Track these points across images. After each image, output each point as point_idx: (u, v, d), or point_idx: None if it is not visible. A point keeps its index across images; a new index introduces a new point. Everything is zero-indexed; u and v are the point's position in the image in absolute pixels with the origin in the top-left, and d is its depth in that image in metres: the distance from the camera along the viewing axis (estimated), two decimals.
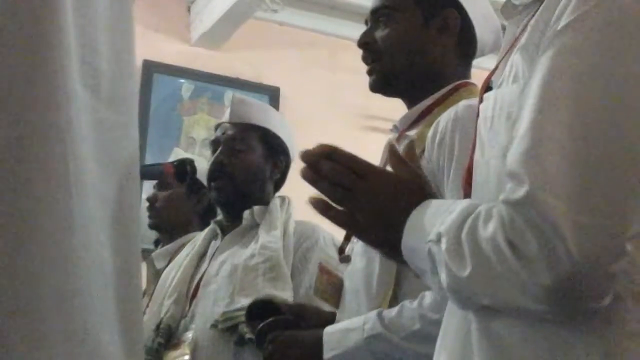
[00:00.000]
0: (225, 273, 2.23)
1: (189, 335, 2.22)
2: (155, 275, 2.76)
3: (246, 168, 2.36)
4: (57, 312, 0.93)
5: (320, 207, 1.09)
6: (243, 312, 2.08)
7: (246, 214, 2.34)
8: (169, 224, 2.88)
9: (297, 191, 1.15)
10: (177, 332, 2.26)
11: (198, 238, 2.49)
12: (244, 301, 2.11)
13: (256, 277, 2.17)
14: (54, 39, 0.95)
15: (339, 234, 1.78)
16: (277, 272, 2.17)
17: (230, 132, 2.40)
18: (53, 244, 0.94)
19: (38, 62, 0.93)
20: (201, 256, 2.40)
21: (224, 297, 2.18)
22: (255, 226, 2.33)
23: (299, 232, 2.29)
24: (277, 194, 2.43)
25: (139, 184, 1.16)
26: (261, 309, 1.84)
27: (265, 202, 2.37)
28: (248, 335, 2.07)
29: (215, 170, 2.37)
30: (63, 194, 0.94)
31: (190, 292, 2.32)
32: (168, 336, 2.25)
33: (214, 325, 2.16)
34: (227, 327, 2.13)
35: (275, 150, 2.40)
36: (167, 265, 2.72)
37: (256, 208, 2.34)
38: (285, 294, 2.12)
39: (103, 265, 1.01)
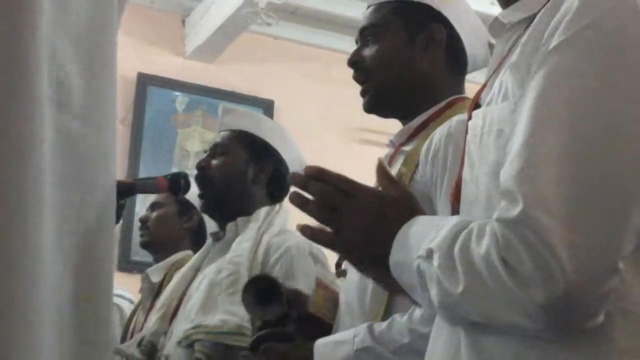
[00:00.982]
0: (203, 287, 2.21)
1: (164, 352, 2.22)
2: (152, 290, 2.76)
3: (224, 169, 2.33)
4: None
5: (309, 232, 1.10)
6: (198, 330, 2.09)
7: (230, 226, 2.32)
8: (160, 243, 2.89)
9: None
10: (159, 349, 2.25)
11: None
12: (200, 319, 2.11)
13: (220, 293, 2.14)
14: (28, 53, 0.95)
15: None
16: (237, 287, 2.12)
17: (216, 140, 2.41)
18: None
19: (10, 76, 0.94)
20: (196, 270, 2.38)
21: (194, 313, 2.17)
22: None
23: (273, 244, 2.24)
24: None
25: (114, 199, 1.15)
26: (261, 285, 1.81)
27: (253, 210, 2.32)
28: (198, 355, 2.07)
29: (198, 176, 2.35)
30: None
31: (173, 308, 2.32)
32: (151, 353, 2.24)
33: (179, 343, 2.15)
34: (188, 345, 2.12)
35: (260, 154, 2.36)
36: (163, 280, 2.72)
37: (240, 219, 2.31)
38: (242, 309, 2.05)
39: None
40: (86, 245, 1.07)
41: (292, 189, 1.12)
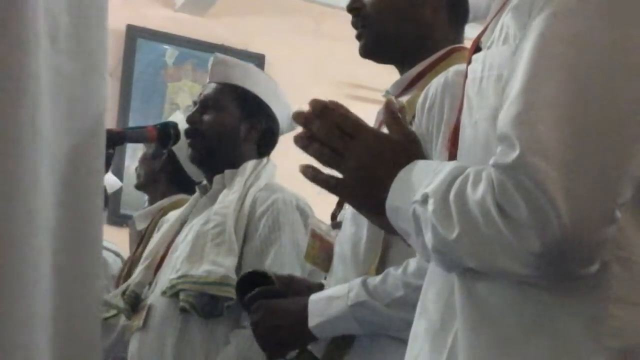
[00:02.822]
0: (189, 238, 2.21)
1: (148, 302, 2.22)
2: (137, 236, 2.74)
3: (216, 127, 2.30)
4: None
5: (310, 173, 1.10)
6: (184, 280, 2.08)
7: (217, 178, 2.30)
8: (148, 185, 2.86)
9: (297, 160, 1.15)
10: (143, 299, 2.25)
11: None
12: (187, 268, 2.11)
13: (206, 244, 2.14)
14: None
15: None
16: (223, 238, 2.13)
17: (206, 92, 2.37)
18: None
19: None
20: (183, 222, 2.37)
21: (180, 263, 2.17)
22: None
23: (259, 197, 2.22)
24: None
25: (103, 145, 1.14)
26: (252, 280, 1.83)
27: (241, 164, 2.30)
28: (183, 304, 2.07)
29: (188, 130, 2.33)
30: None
31: (158, 259, 2.31)
32: (135, 303, 2.24)
33: (164, 293, 2.15)
34: (173, 294, 2.12)
35: (252, 111, 2.33)
36: (147, 227, 2.70)
37: (227, 172, 2.29)
38: (227, 260, 2.09)
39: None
40: (77, 189, 1.06)
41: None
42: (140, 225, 2.76)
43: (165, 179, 2.83)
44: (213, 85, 2.37)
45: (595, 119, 0.90)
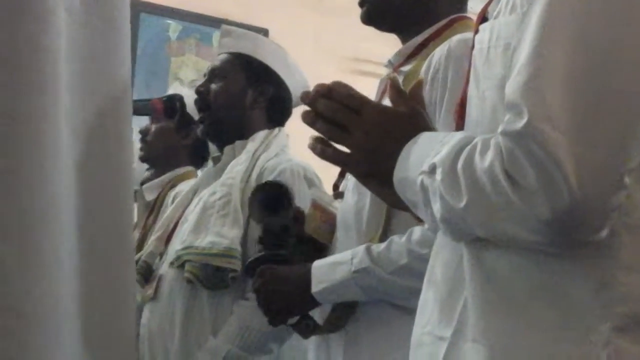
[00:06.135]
0: (197, 210, 2.21)
1: (159, 273, 2.23)
2: (146, 207, 2.75)
3: (222, 95, 2.30)
4: None
5: (318, 149, 1.11)
6: (189, 251, 2.09)
7: (227, 148, 2.30)
8: (158, 158, 2.85)
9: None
10: (154, 270, 2.26)
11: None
12: (192, 239, 2.11)
13: (212, 215, 2.14)
14: None
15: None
16: (228, 209, 2.13)
17: (215, 63, 2.37)
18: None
19: None
20: (195, 193, 2.37)
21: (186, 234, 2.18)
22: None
23: (267, 167, 2.21)
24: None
25: (130, 114, 1.15)
26: (271, 194, 1.80)
27: (251, 134, 2.30)
28: (187, 275, 2.08)
29: (198, 101, 2.33)
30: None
31: (170, 230, 2.32)
32: (147, 273, 2.25)
33: (171, 264, 2.17)
34: (179, 265, 2.13)
35: (259, 78, 2.32)
36: (157, 198, 2.71)
37: (238, 143, 2.29)
38: (232, 231, 2.08)
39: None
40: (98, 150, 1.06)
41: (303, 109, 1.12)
42: (150, 197, 2.76)
43: (186, 153, 2.84)
44: (221, 56, 2.37)
45: (603, 84, 0.90)
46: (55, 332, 1.06)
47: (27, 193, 0.99)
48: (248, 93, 2.31)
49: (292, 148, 2.34)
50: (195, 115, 2.48)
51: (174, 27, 4.77)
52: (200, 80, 2.38)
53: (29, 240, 1.02)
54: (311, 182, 2.21)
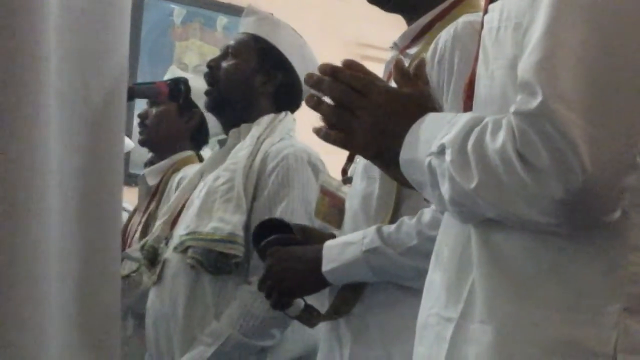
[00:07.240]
0: (201, 195, 2.21)
1: (164, 257, 2.23)
2: (148, 192, 2.75)
3: (231, 73, 2.29)
4: None
5: (323, 132, 1.10)
6: (192, 237, 2.09)
7: (233, 132, 2.30)
8: (159, 142, 2.83)
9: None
10: (160, 254, 2.26)
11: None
12: (195, 224, 2.11)
13: (215, 200, 2.14)
14: None
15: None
16: (231, 194, 2.13)
17: (231, 42, 2.37)
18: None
19: None
20: (201, 176, 2.36)
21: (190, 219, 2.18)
22: None
23: (271, 151, 2.20)
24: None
25: (125, 98, 1.14)
26: (270, 229, 1.82)
27: (257, 117, 2.29)
28: (190, 261, 2.09)
29: (206, 75, 2.33)
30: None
31: (176, 214, 2.32)
32: (153, 257, 2.25)
33: (175, 248, 2.17)
34: (183, 250, 2.14)
35: (271, 63, 2.31)
36: (160, 183, 2.71)
37: (243, 126, 2.29)
38: (235, 217, 2.08)
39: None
40: (93, 125, 1.06)
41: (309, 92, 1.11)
42: (152, 181, 2.76)
43: (187, 137, 2.83)
44: (239, 35, 2.38)
45: (618, 64, 0.89)
46: (43, 304, 1.06)
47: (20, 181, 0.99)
48: (257, 76, 2.30)
49: (303, 138, 2.32)
50: (197, 100, 2.47)
51: (178, 12, 4.76)
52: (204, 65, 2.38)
53: (20, 224, 1.01)
54: (315, 167, 2.20)
